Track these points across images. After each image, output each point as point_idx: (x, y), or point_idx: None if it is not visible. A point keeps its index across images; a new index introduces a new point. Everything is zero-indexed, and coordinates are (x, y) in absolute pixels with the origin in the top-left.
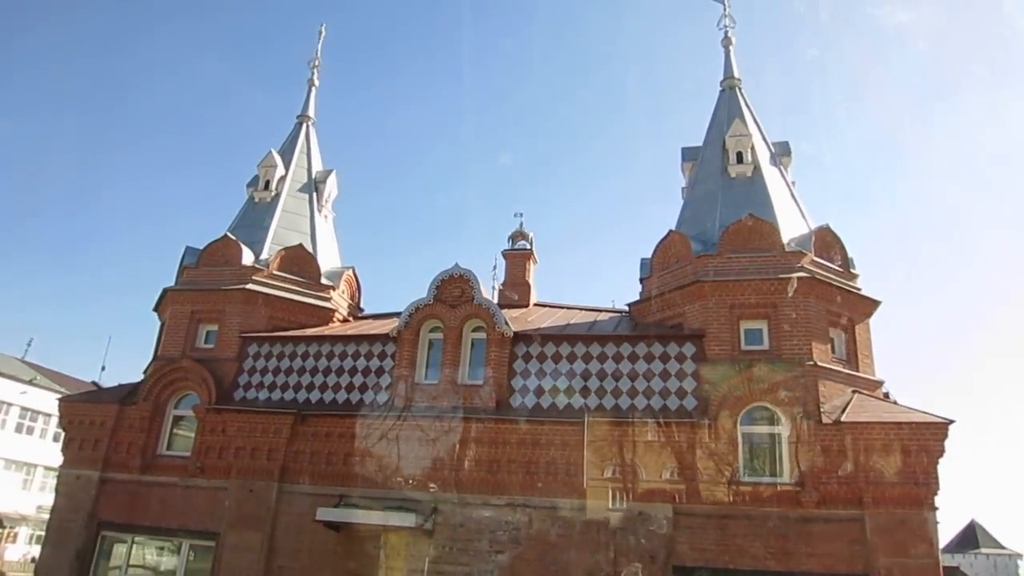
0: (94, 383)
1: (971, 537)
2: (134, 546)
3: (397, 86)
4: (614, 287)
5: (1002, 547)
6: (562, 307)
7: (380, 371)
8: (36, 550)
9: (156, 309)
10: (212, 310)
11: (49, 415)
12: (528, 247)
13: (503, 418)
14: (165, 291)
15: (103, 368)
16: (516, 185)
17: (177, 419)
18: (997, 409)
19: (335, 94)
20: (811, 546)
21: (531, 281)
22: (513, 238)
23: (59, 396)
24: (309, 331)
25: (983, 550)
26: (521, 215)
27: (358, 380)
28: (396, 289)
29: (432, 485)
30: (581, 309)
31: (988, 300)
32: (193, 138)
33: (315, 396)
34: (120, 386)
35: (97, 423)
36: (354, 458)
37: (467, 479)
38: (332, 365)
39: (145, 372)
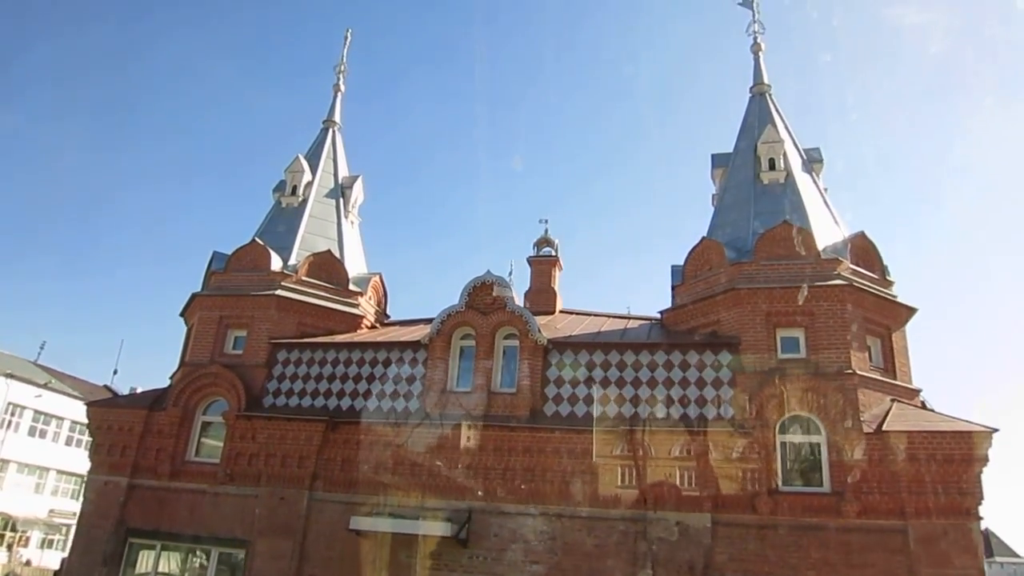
0: (107, 387)
1: (985, 545)
2: (162, 553)
3: (415, 91)
4: (630, 293)
5: (1017, 555)
6: (589, 314)
7: (411, 378)
8: (43, 554)
9: (183, 314)
10: (241, 316)
11: (62, 419)
12: (553, 254)
13: (537, 427)
14: (193, 296)
15: (115, 372)
16: (538, 191)
17: (205, 425)
18: (1011, 416)
19: (356, 98)
20: (852, 556)
21: (556, 288)
22: (538, 244)
23: (87, 401)
24: (339, 337)
25: (997, 558)
26: (546, 221)
27: (389, 387)
28: (416, 294)
29: (466, 494)
30: (609, 316)
31: (1004, 305)
32: (206, 143)
33: (346, 403)
34: (148, 391)
35: (125, 429)
36: (386, 466)
37: (501, 488)
38: (363, 372)
39: (171, 378)
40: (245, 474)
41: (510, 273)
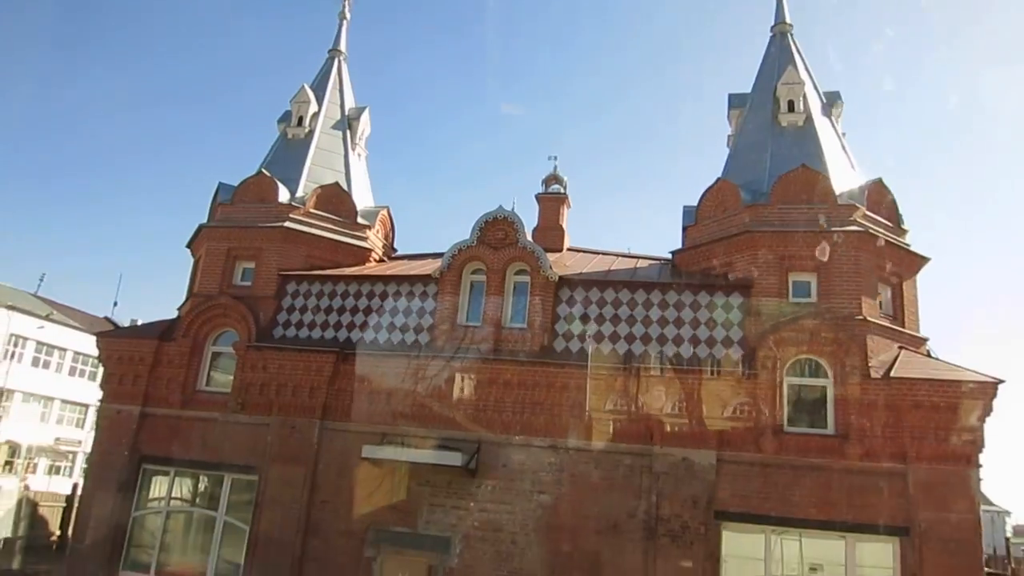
0: (107, 318)
1: None
2: (176, 479)
3: (424, 20)
4: (635, 233)
5: (991, 503)
6: (597, 252)
7: (422, 312)
8: (51, 480)
9: (189, 246)
10: (249, 247)
11: (65, 350)
12: (562, 191)
13: (547, 362)
14: (200, 228)
15: (115, 304)
16: (546, 126)
17: (215, 356)
18: (989, 364)
19: (361, 26)
20: (853, 497)
21: (565, 226)
22: (547, 182)
23: (96, 332)
24: (348, 270)
25: None
26: (555, 159)
27: (399, 320)
28: (421, 229)
29: (475, 426)
30: (618, 255)
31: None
32: (208, 70)
33: (356, 335)
34: (156, 322)
35: (136, 359)
36: (396, 397)
37: (509, 421)
38: (373, 305)
39: (179, 309)
40: (256, 404)
41: (512, 209)
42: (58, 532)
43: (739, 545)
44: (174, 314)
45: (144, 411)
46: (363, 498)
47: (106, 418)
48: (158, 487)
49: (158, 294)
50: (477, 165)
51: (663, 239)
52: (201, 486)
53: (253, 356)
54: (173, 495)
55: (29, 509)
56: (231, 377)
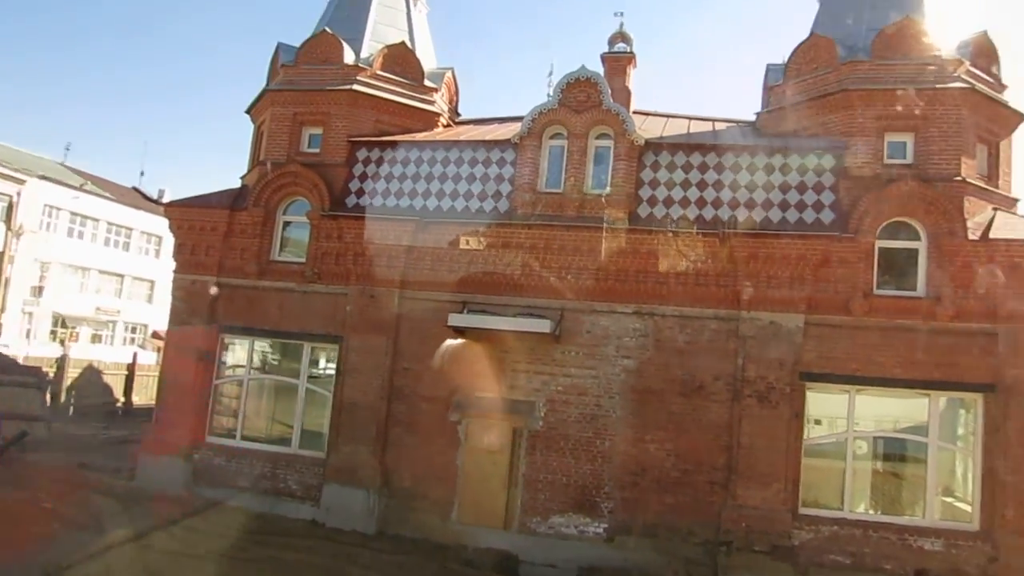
0: (135, 188)
1: None
2: (255, 348)
3: None
4: (703, 99)
5: None
6: (668, 115)
7: (500, 178)
8: (92, 348)
9: (249, 111)
10: (316, 112)
11: (97, 220)
12: (628, 50)
13: (632, 228)
14: (264, 91)
15: (142, 173)
16: None
17: (285, 225)
18: None
19: None
20: (940, 357)
21: (631, 87)
22: (612, 40)
23: (165, 202)
24: (419, 136)
25: None
26: (622, 14)
27: (476, 187)
28: (475, 92)
29: (557, 293)
30: (691, 118)
31: None
32: None
33: (432, 203)
34: (224, 191)
35: (208, 228)
36: (476, 265)
37: (593, 288)
38: (448, 172)
39: (243, 178)
40: (333, 273)
41: (550, 74)
42: (123, 399)
43: (823, 404)
44: (212, 186)
45: (219, 281)
46: (446, 364)
47: (181, 288)
48: (237, 356)
49: (184, 165)
50: (533, 23)
51: (728, 103)
52: (280, 355)
53: (328, 225)
54: (253, 364)
55: (95, 377)
56: (303, 247)
